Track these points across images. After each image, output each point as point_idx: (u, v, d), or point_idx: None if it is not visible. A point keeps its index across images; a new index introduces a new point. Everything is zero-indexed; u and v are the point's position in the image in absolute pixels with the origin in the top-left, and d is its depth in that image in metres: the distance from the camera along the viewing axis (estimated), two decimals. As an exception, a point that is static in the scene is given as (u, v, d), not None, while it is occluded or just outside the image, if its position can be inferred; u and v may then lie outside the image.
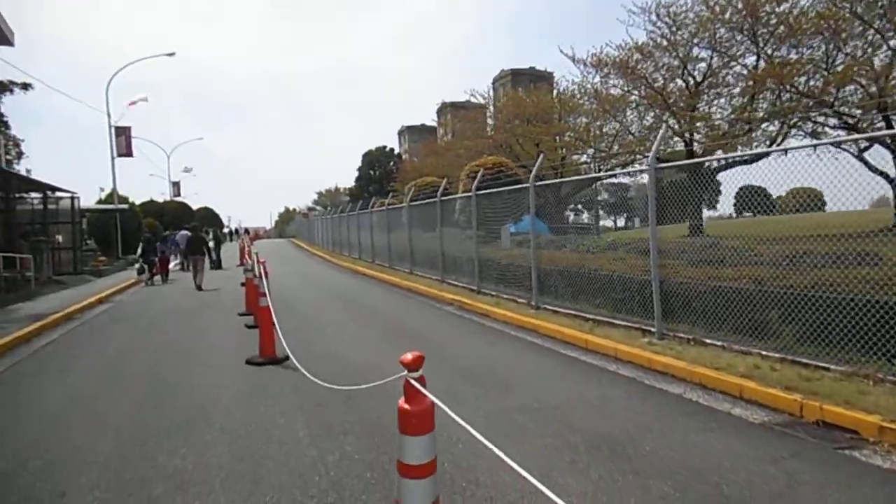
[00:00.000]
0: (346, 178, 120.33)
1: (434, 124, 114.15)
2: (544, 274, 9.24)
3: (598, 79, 18.86)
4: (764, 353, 5.48)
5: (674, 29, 15.25)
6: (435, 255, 14.31)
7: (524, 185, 9.92)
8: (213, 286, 15.08)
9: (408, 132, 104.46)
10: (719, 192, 8.89)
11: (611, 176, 15.66)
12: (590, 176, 20.18)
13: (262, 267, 6.81)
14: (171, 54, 28.22)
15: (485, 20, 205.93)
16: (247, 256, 14.10)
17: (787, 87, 13.17)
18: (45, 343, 8.42)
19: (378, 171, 54.43)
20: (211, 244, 19.84)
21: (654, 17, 15.48)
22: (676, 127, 16.60)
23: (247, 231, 45.08)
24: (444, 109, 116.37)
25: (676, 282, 6.68)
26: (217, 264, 21.32)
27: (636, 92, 17.77)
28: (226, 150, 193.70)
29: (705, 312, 6.28)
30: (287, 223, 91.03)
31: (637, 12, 15.97)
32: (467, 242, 12.53)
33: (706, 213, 10.53)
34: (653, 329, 6.66)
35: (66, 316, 10.60)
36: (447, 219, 14.26)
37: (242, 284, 13.33)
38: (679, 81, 16.36)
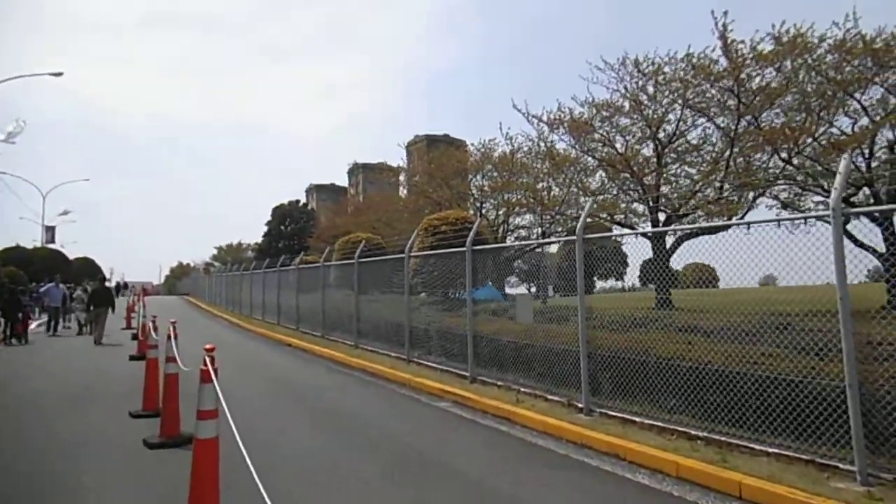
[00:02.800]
0: (249, 234, 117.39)
1: (344, 184, 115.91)
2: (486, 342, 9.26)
3: (553, 137, 19.85)
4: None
5: (652, 86, 16.38)
6: (381, 323, 13.65)
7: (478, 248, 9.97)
8: (93, 359, 13.72)
9: (316, 191, 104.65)
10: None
11: (544, 244, 16.23)
12: (524, 242, 21.13)
13: (171, 329, 6.22)
14: (59, 74, 26.79)
15: (404, 85, 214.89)
16: (145, 323, 13.15)
17: (770, 151, 14.53)
18: None
19: (290, 227, 53.49)
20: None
21: (630, 72, 16.57)
22: (639, 192, 17.67)
23: (138, 289, 41.86)
24: (356, 170, 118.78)
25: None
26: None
27: (592, 154, 18.89)
28: (113, 197, 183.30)
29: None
30: (179, 279, 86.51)
31: (603, 68, 17.13)
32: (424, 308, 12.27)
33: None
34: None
35: None
36: (382, 280, 14.08)
37: (133, 358, 12.36)
38: (648, 144, 17.52)
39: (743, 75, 14.52)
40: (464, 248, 9.67)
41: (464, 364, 9.50)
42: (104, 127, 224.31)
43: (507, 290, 17.36)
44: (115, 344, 16.55)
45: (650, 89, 16.40)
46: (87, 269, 48.28)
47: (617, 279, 14.61)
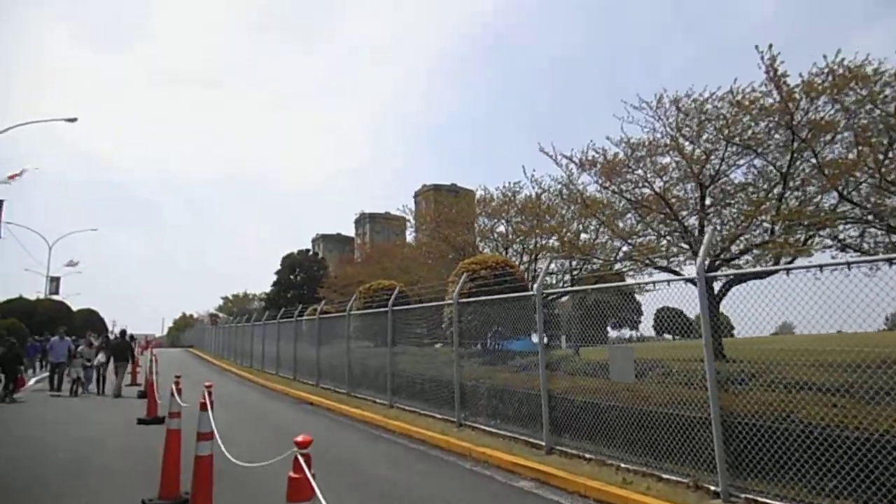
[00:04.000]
0: (254, 286, 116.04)
1: (351, 234, 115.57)
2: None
3: (583, 179, 18.90)
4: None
5: (695, 123, 15.49)
6: (420, 380, 12.20)
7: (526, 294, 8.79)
8: (97, 422, 12.27)
9: (323, 241, 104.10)
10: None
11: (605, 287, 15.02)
12: (593, 286, 19.89)
13: (206, 393, 4.89)
14: (73, 119, 25.98)
15: (406, 137, 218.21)
16: (152, 380, 11.75)
17: (828, 186, 13.45)
18: None
19: (300, 276, 52.22)
20: (100, 357, 16.65)
21: (667, 111, 15.73)
22: (679, 233, 16.55)
23: (142, 341, 40.13)
24: (363, 220, 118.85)
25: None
26: (100, 385, 16.90)
27: (625, 195, 17.84)
28: (115, 250, 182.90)
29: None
30: (182, 330, 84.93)
31: (640, 107, 16.31)
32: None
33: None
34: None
35: None
36: (417, 330, 12.76)
37: (141, 421, 10.91)
38: (689, 184, 16.49)
39: (795, 108, 13.63)
40: (526, 294, 8.41)
41: (534, 430, 8.06)
42: (109, 180, 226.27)
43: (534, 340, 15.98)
44: (119, 399, 15.07)
45: (693, 126, 15.48)
46: (91, 321, 46.86)
47: (631, 328, 13.22)
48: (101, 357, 16.37)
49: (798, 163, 14.55)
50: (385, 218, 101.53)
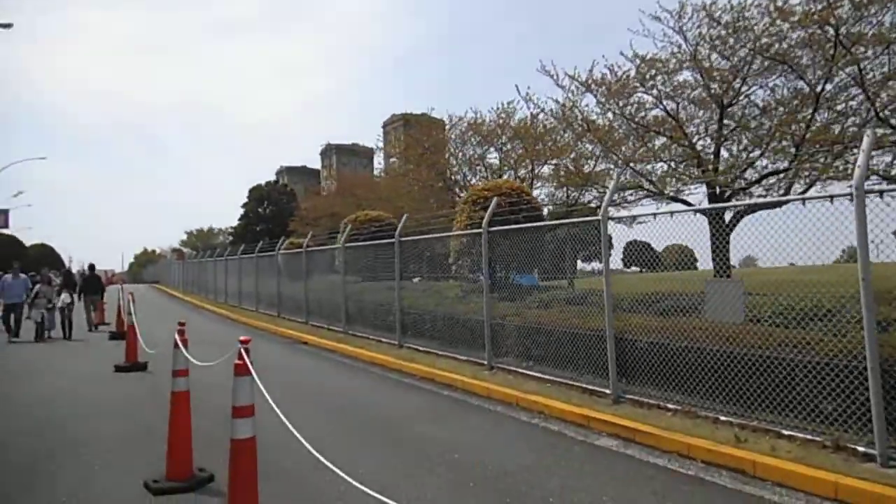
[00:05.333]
0: (218, 219, 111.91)
1: (317, 166, 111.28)
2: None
3: (587, 101, 17.34)
4: None
5: (726, 32, 13.96)
6: (433, 318, 11.06)
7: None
8: (67, 373, 10.77)
9: (287, 173, 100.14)
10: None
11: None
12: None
13: (243, 351, 3.50)
14: (8, 25, 22.26)
15: (371, 65, 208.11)
16: (128, 320, 10.18)
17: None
18: None
19: (269, 209, 49.64)
20: (63, 297, 14.74)
21: (699, 20, 14.14)
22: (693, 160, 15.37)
23: (105, 277, 37.55)
24: (329, 151, 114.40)
25: None
26: (66, 329, 14.64)
27: (633, 119, 16.43)
28: (68, 182, 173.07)
29: None
30: (144, 266, 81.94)
31: (661, 17, 14.72)
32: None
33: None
34: None
35: None
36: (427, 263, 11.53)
37: (119, 369, 9.46)
38: (710, 106, 15.14)
39: (838, 19, 12.24)
40: (588, 219, 7.10)
41: (593, 375, 6.96)
42: (54, 105, 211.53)
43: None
44: (88, 343, 13.47)
45: (723, 36, 13.92)
46: (46, 257, 44.01)
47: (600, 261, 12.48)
48: (64, 297, 14.47)
49: (832, 81, 13.35)
50: (352, 149, 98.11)
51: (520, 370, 8.18)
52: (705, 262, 7.44)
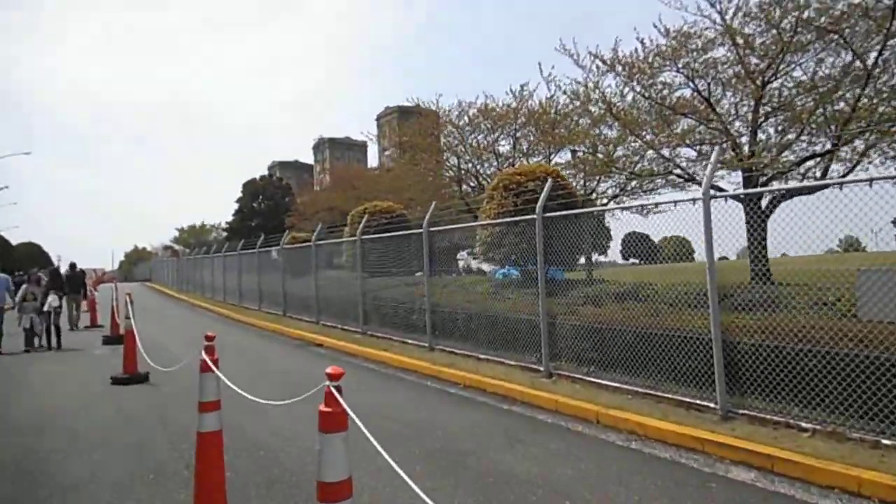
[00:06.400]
0: (211, 215, 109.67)
1: (309, 161, 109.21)
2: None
3: (609, 83, 16.15)
4: None
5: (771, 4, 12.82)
6: (467, 316, 10.00)
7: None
8: (58, 390, 9.51)
9: (280, 168, 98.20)
10: None
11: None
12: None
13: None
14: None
15: (360, 59, 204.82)
16: (123, 324, 8.89)
17: None
18: None
19: (264, 203, 48.00)
20: (51, 300, 12.80)
21: None
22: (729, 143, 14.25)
23: (93, 275, 35.91)
24: (322, 145, 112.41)
25: None
26: (53, 337, 12.80)
27: (658, 101, 15.26)
28: (56, 180, 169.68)
29: None
30: (135, 264, 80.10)
31: None
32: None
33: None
34: None
35: None
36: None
37: (117, 381, 8.22)
38: (742, 87, 14.00)
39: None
40: (682, 198, 5.93)
41: (687, 387, 5.82)
42: (42, 103, 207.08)
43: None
44: (80, 350, 12.15)
45: (773, 10, 12.70)
46: (34, 256, 42.37)
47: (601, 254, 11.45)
48: (51, 299, 12.87)
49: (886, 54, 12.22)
50: (346, 143, 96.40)
51: (586, 378, 7.04)
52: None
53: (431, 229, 10.07)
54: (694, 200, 5.59)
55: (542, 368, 7.48)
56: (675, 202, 6.10)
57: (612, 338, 6.88)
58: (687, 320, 5.98)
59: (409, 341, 10.58)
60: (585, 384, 6.92)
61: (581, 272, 11.04)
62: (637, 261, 9.92)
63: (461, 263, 19.87)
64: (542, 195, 7.60)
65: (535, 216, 7.62)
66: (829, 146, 13.46)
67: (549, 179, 8.09)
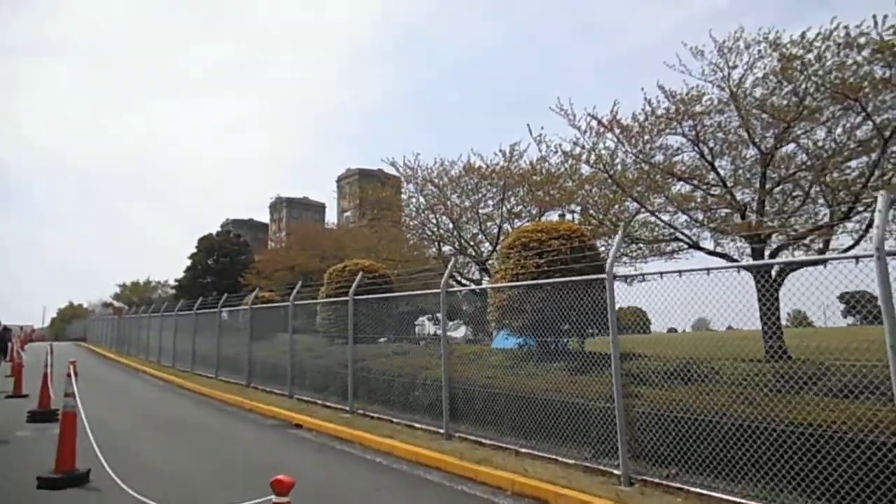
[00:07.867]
0: (158, 273, 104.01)
1: (265, 220, 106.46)
2: None
3: (605, 144, 15.43)
4: None
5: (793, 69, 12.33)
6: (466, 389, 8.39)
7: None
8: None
9: (233, 226, 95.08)
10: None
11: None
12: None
13: None
14: None
15: (317, 123, 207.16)
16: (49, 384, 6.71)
17: None
18: None
19: (220, 260, 44.92)
20: None
21: (754, 52, 12.53)
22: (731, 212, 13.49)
23: (21, 333, 32.06)
24: (279, 205, 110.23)
25: None
26: None
27: (653, 165, 14.59)
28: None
29: None
30: (69, 322, 74.20)
31: (697, 54, 13.09)
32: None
33: None
34: None
35: None
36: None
37: (44, 483, 6.03)
38: (749, 148, 13.39)
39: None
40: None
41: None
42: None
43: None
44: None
45: (794, 74, 12.23)
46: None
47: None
48: None
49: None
50: (303, 203, 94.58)
51: (686, 487, 5.45)
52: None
53: (450, 290, 8.51)
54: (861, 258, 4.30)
55: (618, 472, 5.83)
56: (838, 258, 4.82)
57: (704, 432, 5.39)
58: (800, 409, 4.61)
59: (417, 425, 8.74)
60: (690, 497, 5.31)
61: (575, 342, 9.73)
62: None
63: (417, 329, 18.26)
64: (612, 252, 6.20)
65: (603, 276, 6.17)
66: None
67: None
